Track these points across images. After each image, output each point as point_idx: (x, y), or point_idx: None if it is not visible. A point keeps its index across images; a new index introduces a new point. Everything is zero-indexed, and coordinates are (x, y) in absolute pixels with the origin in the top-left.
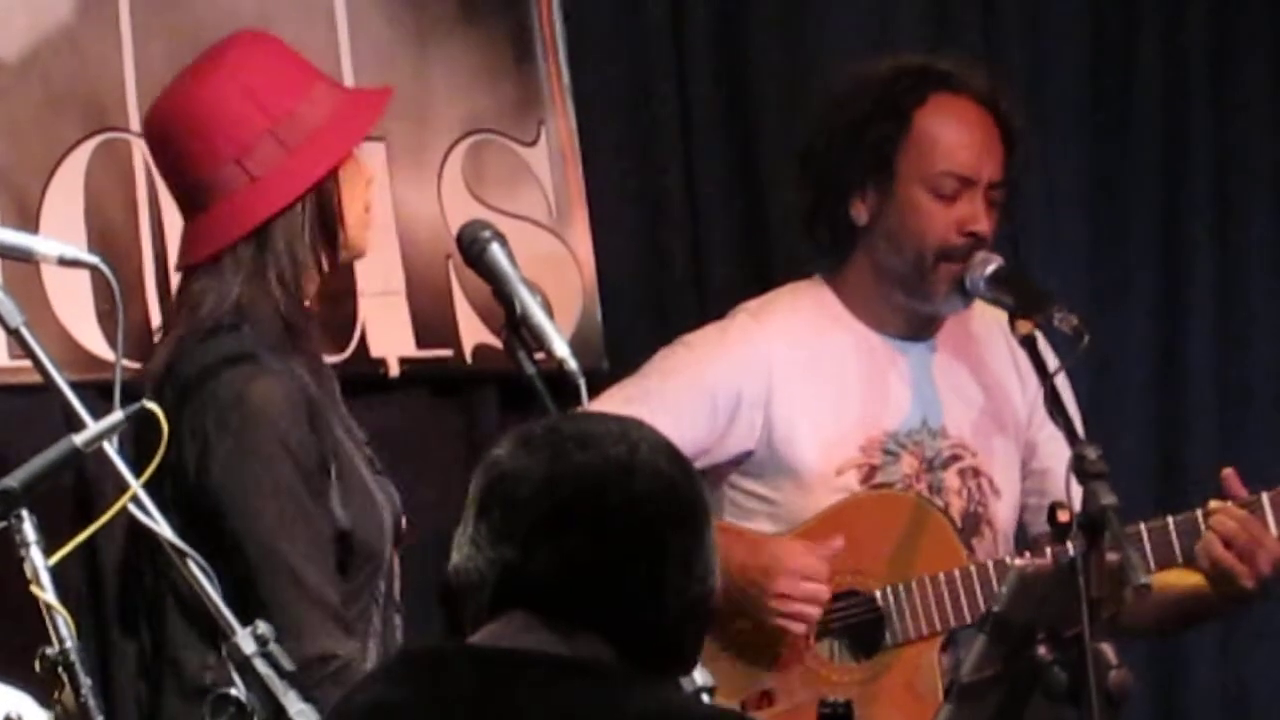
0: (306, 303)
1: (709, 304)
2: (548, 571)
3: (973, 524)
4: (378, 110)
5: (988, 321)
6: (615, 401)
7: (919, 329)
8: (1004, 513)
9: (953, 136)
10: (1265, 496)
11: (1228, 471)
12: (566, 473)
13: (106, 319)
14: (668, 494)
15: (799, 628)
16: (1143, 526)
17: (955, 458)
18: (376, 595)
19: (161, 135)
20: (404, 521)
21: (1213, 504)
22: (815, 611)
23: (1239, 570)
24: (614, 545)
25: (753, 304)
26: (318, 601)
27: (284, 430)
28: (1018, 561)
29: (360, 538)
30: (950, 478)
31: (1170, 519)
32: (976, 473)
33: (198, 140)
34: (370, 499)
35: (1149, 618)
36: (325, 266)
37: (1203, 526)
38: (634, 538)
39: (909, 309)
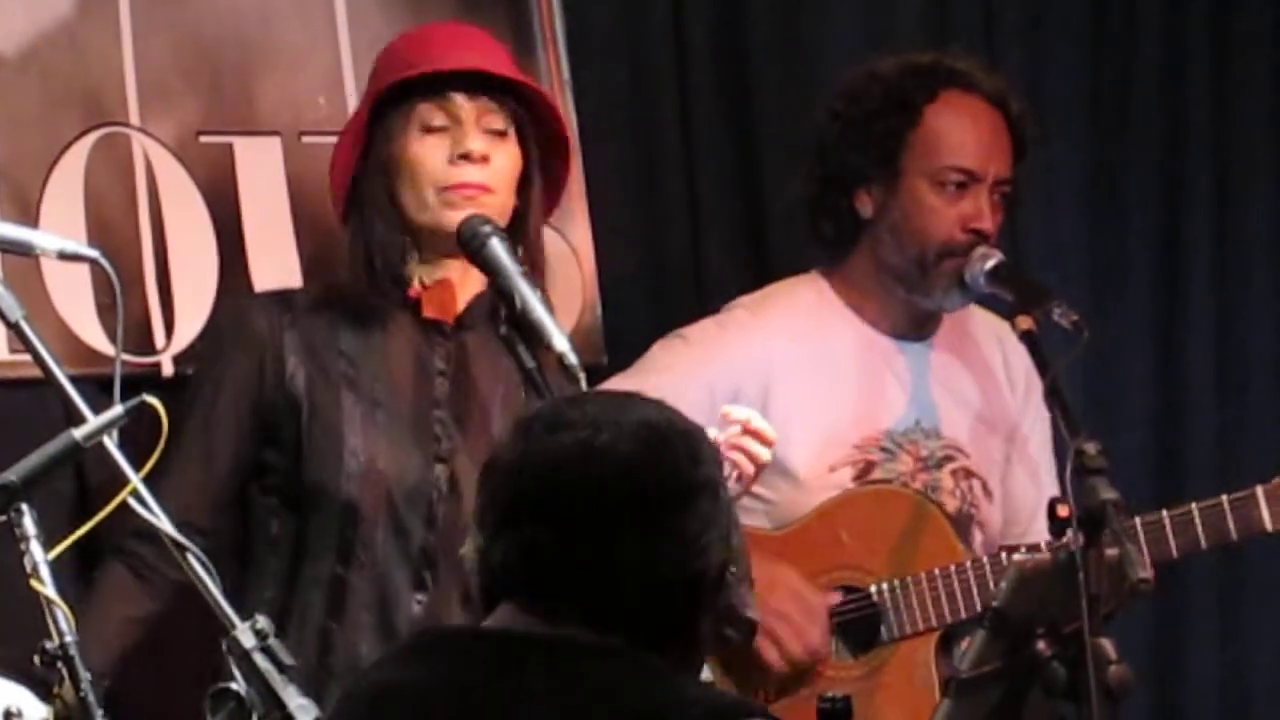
0: (404, 266)
1: (709, 299)
2: (510, 559)
3: (964, 525)
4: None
5: (982, 326)
6: None
7: (917, 327)
8: (995, 516)
9: (960, 132)
10: (1260, 490)
11: None
12: (528, 459)
13: (106, 313)
14: (627, 477)
15: (773, 654)
16: (1137, 521)
17: (949, 458)
18: (352, 549)
19: None
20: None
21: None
22: (797, 648)
23: None
24: (572, 533)
25: (749, 299)
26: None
27: (222, 348)
28: (1016, 557)
29: (310, 469)
30: (945, 478)
31: (1165, 512)
32: (969, 474)
33: None
34: (337, 445)
35: None
36: (407, 230)
37: (1198, 521)
38: (591, 525)
39: (909, 305)
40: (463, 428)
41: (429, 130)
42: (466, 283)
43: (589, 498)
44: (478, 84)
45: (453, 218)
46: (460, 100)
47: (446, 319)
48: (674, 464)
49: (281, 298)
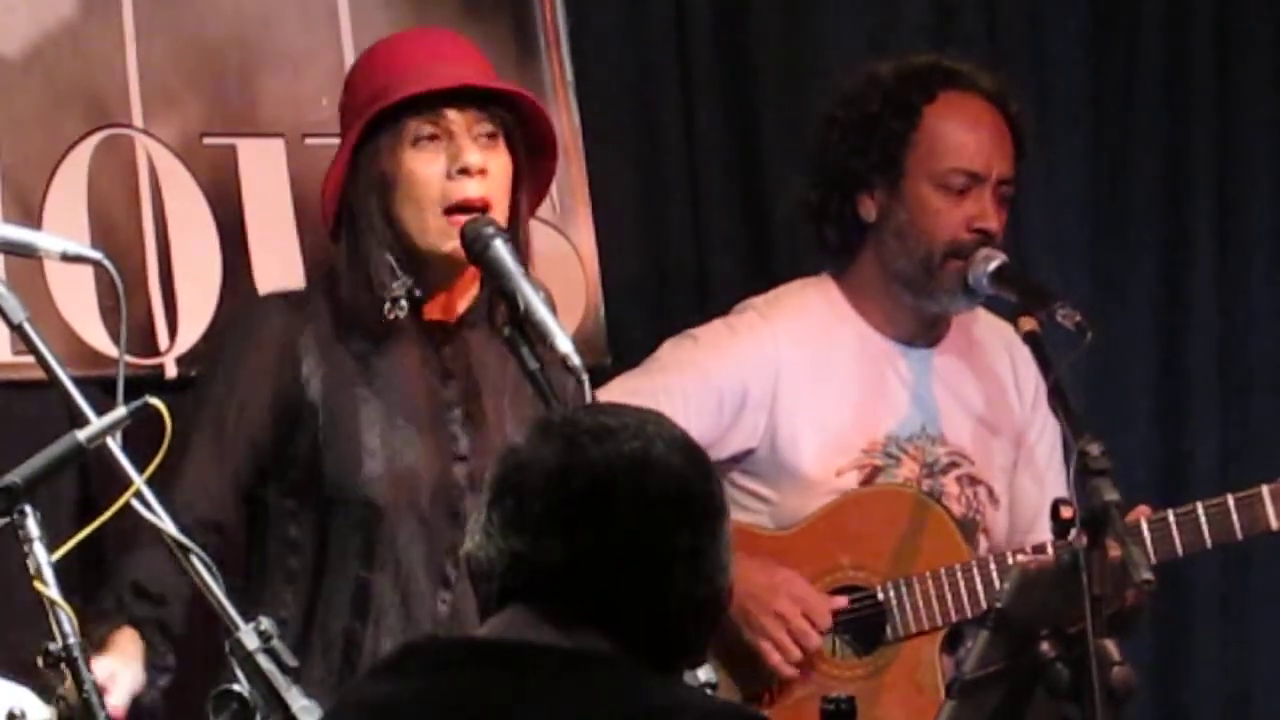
0: (393, 288)
1: (711, 300)
2: (554, 565)
3: (970, 531)
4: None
5: (991, 333)
6: (621, 393)
7: (924, 332)
8: (1000, 522)
9: (962, 133)
10: (1265, 489)
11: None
12: (579, 466)
13: (109, 315)
14: (680, 493)
15: (775, 657)
16: (1143, 520)
17: (954, 464)
18: (375, 550)
19: None
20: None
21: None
22: (796, 651)
23: None
24: (622, 542)
25: (760, 300)
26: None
27: (236, 345)
28: (1019, 558)
29: (329, 470)
30: (950, 484)
31: (1170, 511)
32: (975, 480)
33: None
34: (355, 447)
35: None
36: (401, 249)
37: (1203, 519)
38: (643, 535)
39: (916, 309)
40: (477, 427)
41: (420, 143)
42: (464, 285)
43: (646, 508)
44: (466, 95)
45: (455, 246)
46: (451, 114)
47: (449, 320)
48: (713, 481)
49: (291, 299)
